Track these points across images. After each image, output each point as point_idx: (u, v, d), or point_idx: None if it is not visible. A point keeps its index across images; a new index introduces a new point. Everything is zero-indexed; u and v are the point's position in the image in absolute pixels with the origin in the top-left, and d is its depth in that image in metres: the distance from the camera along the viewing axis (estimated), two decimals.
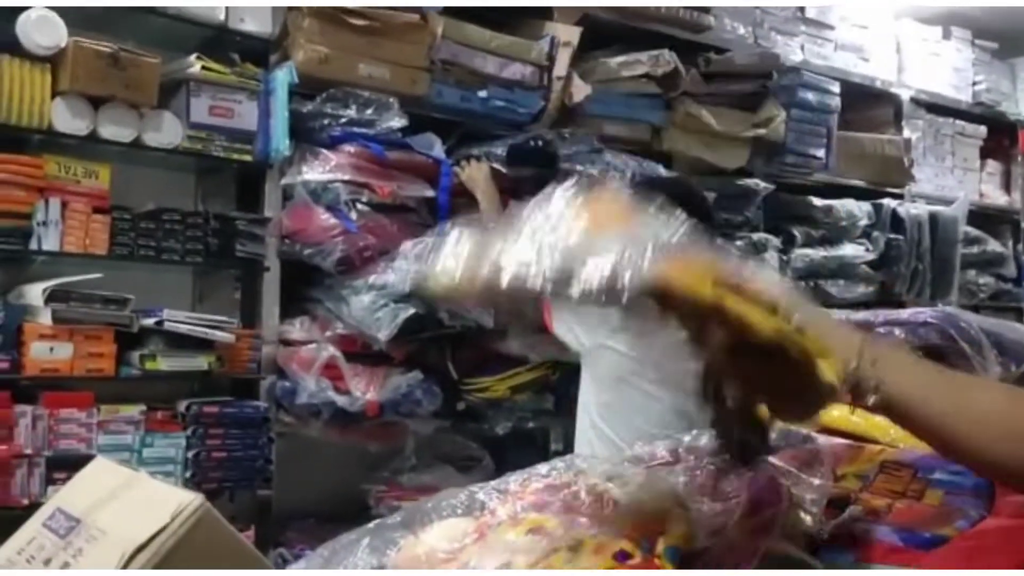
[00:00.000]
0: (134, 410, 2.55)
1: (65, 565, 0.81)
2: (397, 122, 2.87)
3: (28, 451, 2.38)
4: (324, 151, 2.79)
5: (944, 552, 1.01)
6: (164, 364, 2.57)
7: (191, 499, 0.79)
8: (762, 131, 3.58)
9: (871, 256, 3.93)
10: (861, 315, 1.67)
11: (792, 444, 1.40)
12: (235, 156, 2.71)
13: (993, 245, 4.64)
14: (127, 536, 0.77)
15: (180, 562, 0.76)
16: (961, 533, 1.02)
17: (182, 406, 2.64)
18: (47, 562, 0.81)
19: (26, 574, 0.82)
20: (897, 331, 1.54)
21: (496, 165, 2.94)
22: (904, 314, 1.58)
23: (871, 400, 0.80)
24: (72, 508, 0.85)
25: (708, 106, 3.45)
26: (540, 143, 3.02)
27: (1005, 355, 1.46)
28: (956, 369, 1.51)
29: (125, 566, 0.76)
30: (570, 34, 3.19)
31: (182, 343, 2.60)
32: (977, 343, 1.46)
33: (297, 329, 2.83)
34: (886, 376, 0.80)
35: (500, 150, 2.99)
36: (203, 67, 2.62)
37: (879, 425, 1.46)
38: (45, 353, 2.42)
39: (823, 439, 1.40)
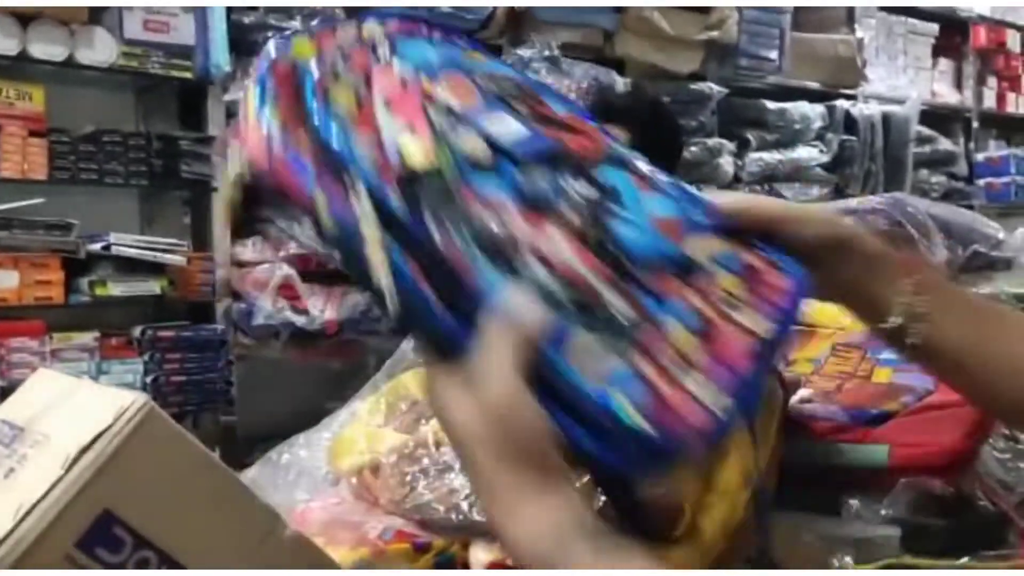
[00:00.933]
0: (87, 337, 2.52)
1: (10, 471, 0.79)
2: None
3: None
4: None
5: (890, 426, 1.03)
6: (115, 290, 2.53)
7: (134, 398, 0.78)
8: (715, 33, 3.54)
9: (825, 158, 3.94)
10: (813, 207, 1.68)
11: None
12: (174, 73, 2.63)
13: (944, 144, 4.66)
14: (71, 439, 0.75)
15: (126, 461, 0.75)
16: (907, 408, 1.04)
17: (137, 331, 2.61)
18: None
19: None
20: (847, 219, 1.55)
21: None
22: (853, 203, 1.58)
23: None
24: (15, 418, 0.84)
25: (660, 8, 3.39)
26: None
27: (952, 238, 1.48)
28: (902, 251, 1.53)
29: (70, 467, 0.74)
30: None
31: (132, 268, 2.56)
32: (924, 227, 1.47)
33: (250, 250, 2.79)
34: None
35: None
36: None
37: (829, 313, 1.47)
38: None
39: None
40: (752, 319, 0.56)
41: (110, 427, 0.74)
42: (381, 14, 0.66)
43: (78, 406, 0.82)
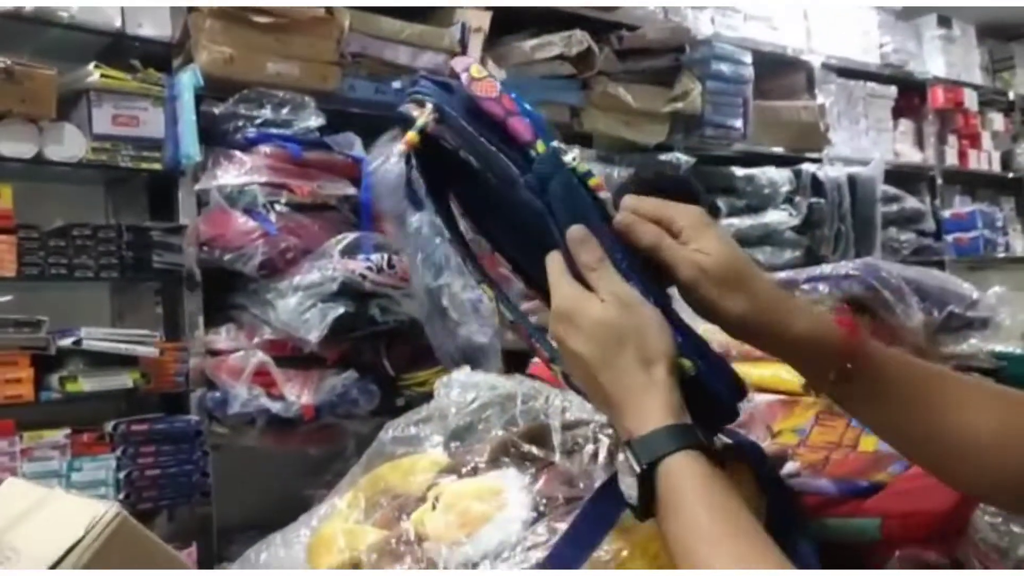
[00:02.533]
0: (59, 434, 2.46)
1: None
2: (314, 121, 2.81)
3: None
4: (238, 154, 2.72)
5: (882, 497, 1.01)
6: (86, 384, 2.48)
7: (105, 510, 0.75)
8: (679, 105, 3.60)
9: (795, 221, 3.99)
10: (784, 274, 1.69)
11: None
12: (144, 165, 2.62)
13: (911, 202, 4.74)
14: (41, 553, 0.73)
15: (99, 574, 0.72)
16: (895, 477, 1.03)
17: (109, 426, 2.56)
18: None
19: None
20: (821, 286, 1.55)
21: None
22: (827, 269, 1.59)
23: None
24: None
25: (624, 84, 3.45)
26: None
27: (927, 301, 1.48)
28: (879, 320, 1.53)
29: None
30: (480, 19, 3.17)
31: (104, 361, 2.52)
32: (899, 291, 1.48)
33: (223, 338, 2.76)
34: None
35: None
36: (102, 75, 2.52)
37: None
38: None
39: (758, 396, 1.40)
40: None
41: (81, 540, 0.72)
42: None
43: (49, 518, 0.79)
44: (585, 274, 0.77)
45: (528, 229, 0.81)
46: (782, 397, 1.40)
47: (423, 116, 0.80)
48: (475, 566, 0.94)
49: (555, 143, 0.77)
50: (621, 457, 0.75)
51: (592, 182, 0.78)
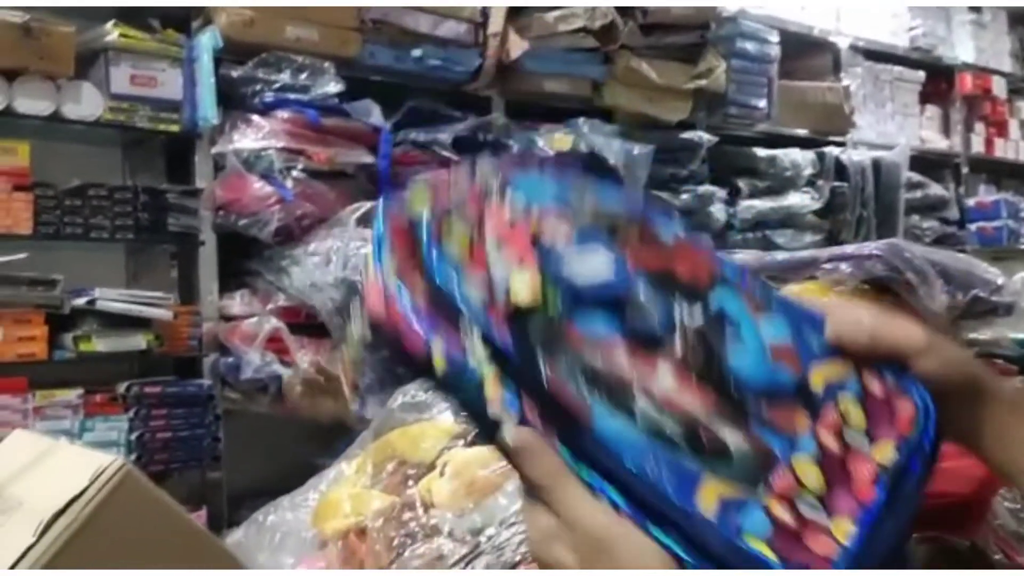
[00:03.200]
0: (71, 394, 2.46)
1: None
2: (333, 87, 2.79)
3: None
4: (256, 118, 2.70)
5: None
6: (100, 345, 2.48)
7: (110, 461, 0.74)
8: (703, 82, 3.55)
9: (817, 205, 3.93)
10: (806, 253, 1.66)
11: None
12: (161, 126, 2.61)
13: (935, 189, 4.68)
14: (44, 504, 0.71)
15: (101, 526, 0.71)
16: None
17: (122, 387, 2.56)
18: None
19: None
20: (843, 265, 1.52)
21: (444, 152, 2.93)
22: (849, 249, 1.56)
23: None
24: None
25: (648, 59, 3.41)
26: (488, 137, 3.04)
27: (951, 284, 1.45)
28: (902, 302, 1.51)
29: (42, 534, 0.70)
30: None
31: (117, 322, 2.52)
32: (923, 273, 1.44)
33: (237, 303, 2.75)
34: None
35: (446, 136, 2.95)
36: (121, 34, 2.51)
37: None
38: None
39: None
40: (874, 447, 0.54)
41: (85, 491, 0.70)
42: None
43: (54, 468, 0.78)
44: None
45: None
46: None
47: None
48: (481, 533, 0.92)
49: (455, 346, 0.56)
50: None
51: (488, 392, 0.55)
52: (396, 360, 0.58)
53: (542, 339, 0.54)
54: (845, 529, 0.51)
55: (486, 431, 0.54)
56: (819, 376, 0.55)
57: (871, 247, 1.51)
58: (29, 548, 0.69)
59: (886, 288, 1.51)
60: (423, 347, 0.55)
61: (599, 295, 0.56)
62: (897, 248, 1.49)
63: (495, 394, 0.53)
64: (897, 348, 0.59)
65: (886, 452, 0.54)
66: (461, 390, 0.54)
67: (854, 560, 0.50)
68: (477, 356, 0.54)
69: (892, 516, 0.53)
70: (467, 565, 0.90)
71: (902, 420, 0.55)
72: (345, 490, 1.07)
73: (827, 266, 1.54)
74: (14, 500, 0.76)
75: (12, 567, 0.68)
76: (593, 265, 0.58)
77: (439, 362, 0.54)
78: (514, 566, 0.86)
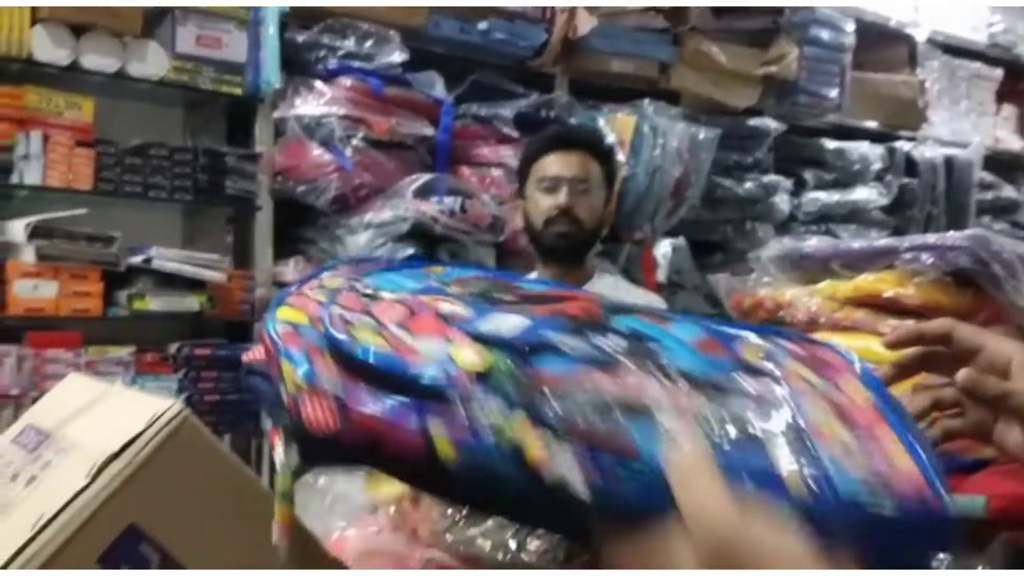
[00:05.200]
0: (123, 351, 2.47)
1: (32, 479, 0.73)
2: (398, 56, 2.75)
3: (14, 392, 2.30)
4: (318, 84, 2.68)
5: (988, 475, 0.93)
6: (153, 304, 2.48)
7: (169, 405, 0.71)
8: (773, 68, 3.46)
9: (884, 201, 3.83)
10: (885, 241, 1.59)
11: None
12: (224, 88, 2.60)
13: (1007, 191, 4.53)
14: (99, 446, 0.69)
15: (155, 472, 0.68)
16: None
17: (173, 348, 2.56)
18: (14, 477, 0.75)
19: None
20: (925, 256, 1.45)
21: (504, 128, 2.92)
22: (932, 238, 1.48)
23: None
24: (42, 423, 0.79)
25: (718, 42, 3.33)
26: (551, 114, 3.01)
27: None
28: (985, 296, 1.43)
29: (95, 476, 0.67)
30: None
31: (172, 283, 2.52)
32: (1011, 266, 1.37)
33: (291, 270, 2.74)
34: None
35: (508, 111, 2.92)
36: None
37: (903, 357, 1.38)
38: (29, 291, 2.33)
39: None
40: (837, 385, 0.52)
41: (141, 434, 0.67)
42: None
43: (109, 411, 0.76)
44: None
45: None
46: (876, 366, 1.32)
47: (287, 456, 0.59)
48: None
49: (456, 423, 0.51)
50: None
51: (530, 456, 0.48)
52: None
53: (520, 393, 0.49)
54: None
55: (548, 511, 0.48)
56: (750, 352, 0.54)
57: (956, 237, 1.43)
58: (81, 490, 0.66)
59: (968, 281, 1.44)
60: (418, 438, 0.49)
61: (534, 341, 0.52)
62: (984, 239, 1.41)
63: (539, 451, 0.47)
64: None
65: (853, 385, 0.52)
66: (486, 472, 0.48)
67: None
68: (490, 415, 0.49)
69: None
70: (525, 539, 0.86)
71: (837, 365, 0.54)
72: None
73: (907, 256, 1.47)
74: (67, 441, 0.74)
75: (63, 509, 0.65)
76: (509, 322, 0.55)
77: (445, 448, 0.48)
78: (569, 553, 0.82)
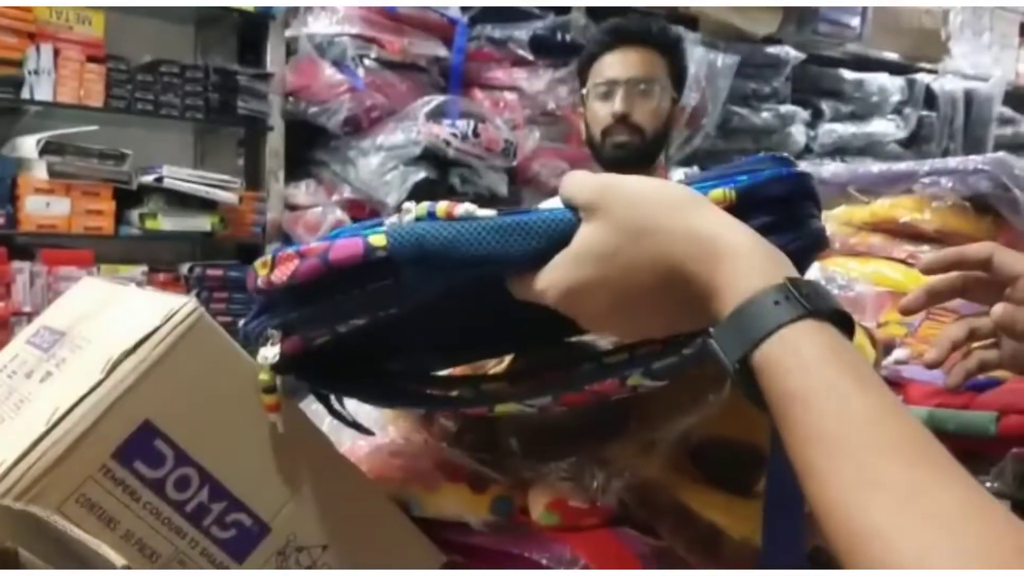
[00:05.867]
0: (136, 270, 2.49)
1: (47, 375, 0.73)
2: None
3: (27, 308, 2.32)
4: (331, 2, 2.64)
5: (999, 393, 0.94)
6: (165, 223, 2.48)
7: (183, 302, 0.71)
8: None
9: (901, 134, 3.78)
10: (904, 165, 1.57)
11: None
12: (236, 5, 2.56)
13: None
14: (114, 342, 0.68)
15: (172, 368, 0.68)
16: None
17: (184, 268, 2.57)
18: (29, 375, 0.75)
19: None
20: (944, 180, 1.44)
21: (520, 50, 2.85)
22: (952, 162, 1.47)
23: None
24: (56, 323, 0.78)
25: None
26: (567, 37, 2.94)
27: None
28: (1003, 222, 1.42)
29: (110, 371, 0.67)
30: None
31: (184, 202, 2.52)
32: None
33: (303, 192, 2.73)
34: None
35: (523, 33, 2.87)
36: None
37: (919, 279, 1.37)
38: (41, 208, 2.33)
39: (862, 286, 1.32)
40: None
41: (156, 331, 0.67)
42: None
43: (124, 310, 0.75)
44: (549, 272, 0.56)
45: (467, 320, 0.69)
46: (889, 290, 1.32)
47: (267, 355, 0.66)
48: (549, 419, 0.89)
49: (385, 224, 0.59)
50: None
51: (441, 210, 0.59)
52: (332, 293, 0.61)
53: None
54: None
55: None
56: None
57: (977, 161, 1.42)
58: (96, 385, 0.66)
59: (986, 207, 1.43)
60: (356, 241, 0.58)
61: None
62: (1006, 164, 1.40)
63: (450, 207, 0.58)
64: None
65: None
66: (413, 241, 0.57)
67: None
68: (408, 214, 0.59)
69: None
70: (531, 443, 0.87)
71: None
72: None
73: (926, 180, 1.46)
74: (82, 338, 0.74)
75: (78, 403, 0.65)
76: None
77: (378, 240, 0.57)
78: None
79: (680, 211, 0.52)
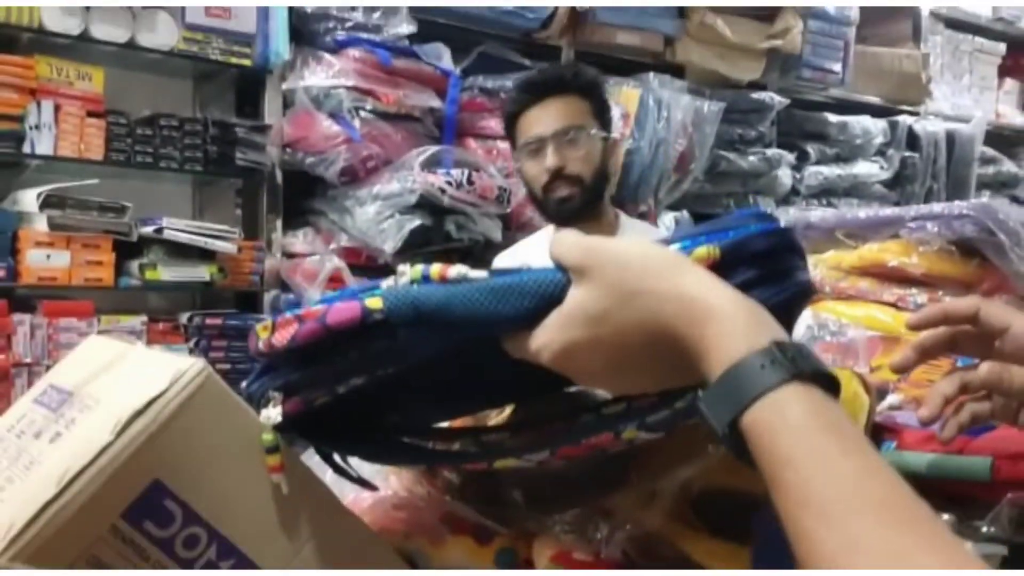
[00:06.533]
0: (135, 320, 2.50)
1: (56, 436, 0.74)
2: (405, 28, 2.77)
3: (27, 360, 2.33)
4: (327, 55, 2.69)
5: (993, 437, 0.95)
6: (165, 274, 2.51)
7: (191, 364, 0.73)
8: (778, 42, 3.45)
9: (886, 175, 3.84)
10: (892, 211, 1.60)
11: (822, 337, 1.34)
12: (233, 60, 2.61)
13: (1008, 166, 4.53)
14: (123, 403, 0.70)
15: (181, 429, 0.70)
16: None
17: (184, 317, 2.59)
18: (37, 435, 0.76)
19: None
20: (930, 225, 1.47)
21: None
22: (938, 207, 1.50)
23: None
24: (64, 383, 0.80)
25: (723, 15, 3.33)
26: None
27: None
28: (989, 265, 1.45)
29: (120, 432, 0.69)
30: None
31: (183, 253, 2.54)
32: (1016, 235, 1.39)
33: (300, 241, 2.76)
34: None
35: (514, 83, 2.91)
36: None
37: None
38: (42, 260, 2.36)
39: (854, 331, 1.34)
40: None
41: (165, 392, 0.69)
42: None
43: (132, 370, 0.77)
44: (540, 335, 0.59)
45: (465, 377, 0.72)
46: (881, 334, 1.34)
47: (270, 416, 0.69)
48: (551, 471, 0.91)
49: (381, 287, 0.62)
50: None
51: (435, 273, 0.61)
52: (328, 358, 0.64)
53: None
54: None
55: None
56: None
57: (963, 206, 1.45)
58: (107, 446, 0.67)
59: (972, 251, 1.46)
60: (354, 304, 0.61)
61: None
62: (990, 209, 1.43)
63: (443, 269, 0.61)
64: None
65: None
66: (408, 305, 0.60)
67: None
68: (404, 277, 0.62)
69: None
70: (534, 495, 0.88)
71: None
72: None
73: (912, 224, 1.49)
74: (92, 399, 0.75)
75: (89, 464, 0.66)
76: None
77: (375, 303, 0.60)
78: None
79: (667, 273, 0.54)
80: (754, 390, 0.47)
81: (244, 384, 0.77)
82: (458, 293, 0.60)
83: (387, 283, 0.63)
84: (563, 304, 0.57)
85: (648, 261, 0.55)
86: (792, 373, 0.47)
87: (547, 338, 0.58)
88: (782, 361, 0.48)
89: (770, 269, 0.62)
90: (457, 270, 0.61)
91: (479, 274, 0.61)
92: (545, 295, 0.58)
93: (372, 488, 0.83)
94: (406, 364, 0.65)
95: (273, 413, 0.69)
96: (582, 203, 1.87)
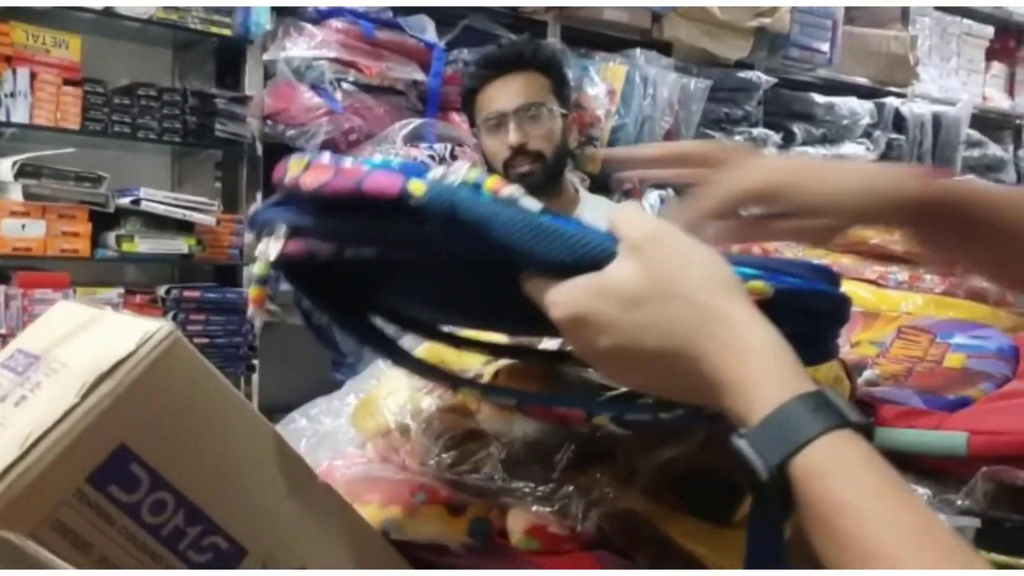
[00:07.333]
0: (112, 292, 2.48)
1: (21, 399, 0.73)
2: None
3: (2, 331, 2.31)
4: (309, 26, 2.66)
5: (970, 413, 0.95)
6: (142, 246, 2.48)
7: (159, 326, 0.71)
8: (766, 21, 3.44)
9: (871, 156, 3.83)
10: None
11: None
12: (213, 29, 2.57)
13: (994, 149, 4.54)
14: (89, 366, 0.68)
15: (148, 392, 0.68)
16: (988, 394, 0.96)
17: (161, 290, 2.57)
18: (3, 399, 0.74)
19: None
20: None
21: None
22: None
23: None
24: (31, 347, 0.78)
25: None
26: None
27: None
28: None
29: (86, 395, 0.67)
30: None
31: (161, 225, 2.51)
32: None
33: None
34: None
35: None
36: None
37: (892, 298, 1.40)
38: (16, 231, 2.33)
39: None
40: None
41: (132, 354, 0.67)
42: None
43: (99, 333, 0.75)
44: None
45: (466, 284, 0.68)
46: (861, 310, 1.34)
47: (269, 249, 0.66)
48: (530, 443, 0.90)
49: (431, 174, 0.59)
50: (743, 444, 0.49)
51: (488, 184, 0.58)
52: (361, 218, 0.60)
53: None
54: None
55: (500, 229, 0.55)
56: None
57: None
58: (71, 409, 0.66)
59: None
60: (394, 178, 0.57)
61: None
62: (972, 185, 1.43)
63: (497, 183, 0.57)
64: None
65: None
66: (449, 203, 0.55)
67: None
68: (454, 175, 0.57)
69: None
70: (512, 468, 0.87)
71: None
72: (387, 389, 1.05)
73: None
74: (57, 362, 0.74)
75: (53, 427, 0.65)
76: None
77: (417, 187, 0.56)
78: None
79: (718, 290, 0.52)
80: (808, 433, 0.46)
81: (252, 208, 0.75)
82: (502, 214, 0.56)
83: (436, 173, 0.59)
84: (600, 272, 0.54)
85: (703, 270, 0.53)
86: (841, 420, 0.47)
87: (567, 298, 0.55)
88: (830, 408, 0.47)
89: (810, 331, 0.60)
90: (511, 191, 0.57)
91: (531, 205, 0.57)
92: (586, 256, 0.55)
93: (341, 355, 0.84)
94: (420, 253, 0.63)
95: (272, 248, 0.66)
96: (543, 179, 1.90)
